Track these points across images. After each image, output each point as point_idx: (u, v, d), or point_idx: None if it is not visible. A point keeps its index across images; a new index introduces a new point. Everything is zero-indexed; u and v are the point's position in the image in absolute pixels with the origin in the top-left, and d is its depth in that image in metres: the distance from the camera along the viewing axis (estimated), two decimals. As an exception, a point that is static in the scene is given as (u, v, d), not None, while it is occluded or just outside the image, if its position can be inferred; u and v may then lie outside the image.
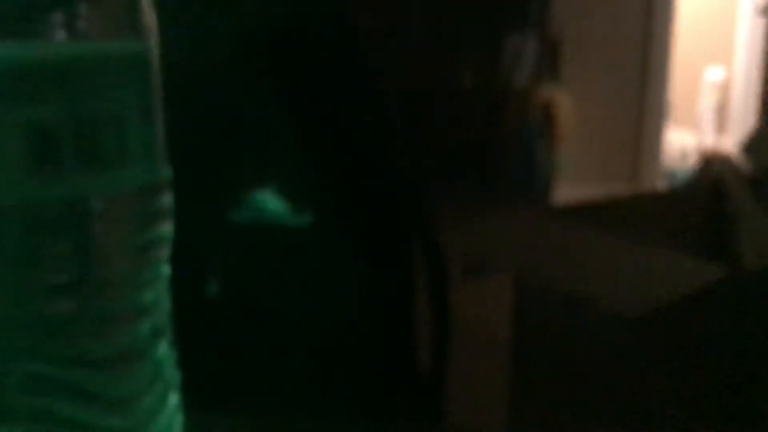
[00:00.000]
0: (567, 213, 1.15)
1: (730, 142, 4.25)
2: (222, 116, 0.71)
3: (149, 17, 0.29)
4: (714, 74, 4.98)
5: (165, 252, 0.31)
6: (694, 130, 4.89)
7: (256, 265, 0.68)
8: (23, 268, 0.26)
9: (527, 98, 2.35)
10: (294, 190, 0.69)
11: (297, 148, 0.72)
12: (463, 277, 0.96)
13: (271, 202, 0.67)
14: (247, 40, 0.72)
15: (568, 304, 0.95)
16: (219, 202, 0.68)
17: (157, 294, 0.31)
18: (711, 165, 1.40)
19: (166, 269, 0.32)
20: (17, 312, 0.27)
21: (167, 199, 0.31)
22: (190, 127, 0.64)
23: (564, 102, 2.43)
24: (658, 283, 0.92)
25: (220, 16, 0.72)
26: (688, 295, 0.90)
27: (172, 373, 0.33)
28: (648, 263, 0.99)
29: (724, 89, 4.83)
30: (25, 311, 0.27)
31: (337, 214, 0.73)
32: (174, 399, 0.33)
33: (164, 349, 0.32)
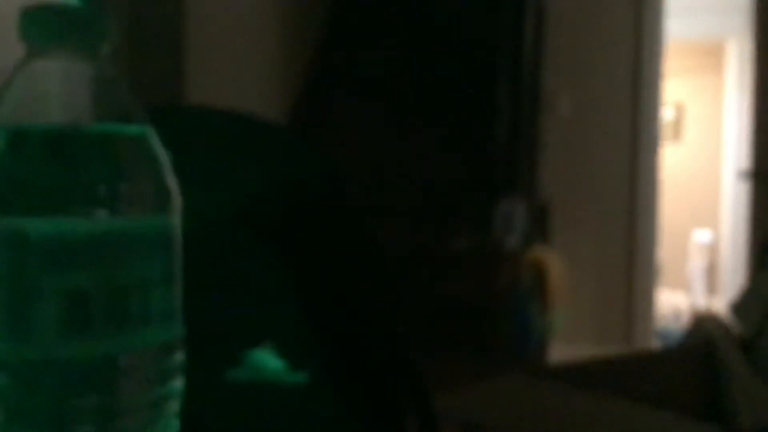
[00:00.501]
0: (561, 374, 1.16)
1: (721, 303, 4.25)
2: (221, 278, 0.74)
3: (175, 193, 0.33)
4: (702, 237, 5.06)
5: (176, 406, 0.34)
6: (685, 291, 4.90)
7: (253, 422, 0.69)
8: (54, 420, 0.29)
9: (518, 261, 2.39)
10: (292, 350, 0.71)
11: (295, 310, 0.75)
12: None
13: (269, 360, 0.69)
14: (245, 206, 0.76)
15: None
16: (217, 361, 0.69)
17: (167, 447, 0.33)
18: (702, 326, 1.42)
19: (175, 423, 0.34)
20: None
21: (180, 356, 0.34)
22: (190, 288, 0.67)
23: (555, 264, 2.46)
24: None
25: (220, 188, 0.77)
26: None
27: None
28: (646, 424, 0.99)
29: (713, 251, 4.89)
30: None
31: (334, 374, 0.74)
32: None
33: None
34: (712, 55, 4.91)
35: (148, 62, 1.86)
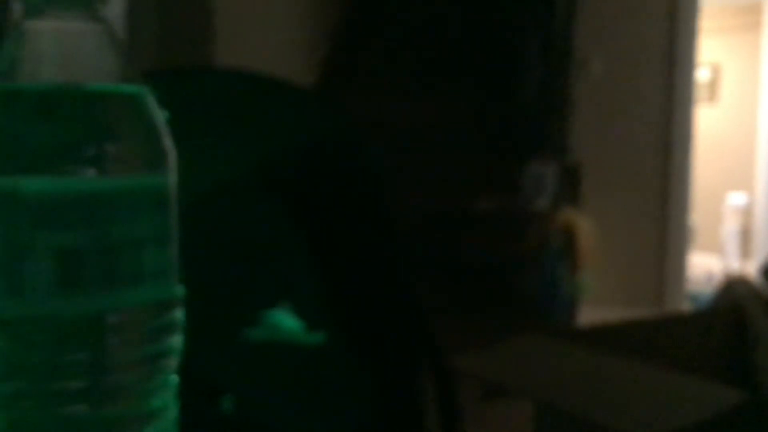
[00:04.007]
0: (589, 336, 1.16)
1: (755, 266, 4.21)
2: (239, 239, 0.74)
3: (170, 153, 0.33)
4: (736, 200, 5.01)
5: (174, 363, 0.34)
6: (719, 255, 4.87)
7: (270, 382, 0.70)
8: (46, 373, 0.30)
9: (548, 222, 2.37)
10: (308, 310, 0.71)
11: (312, 271, 0.75)
12: (482, 402, 0.97)
13: (286, 320, 0.70)
14: (263, 167, 0.77)
15: (589, 430, 0.94)
16: (235, 321, 0.70)
17: (165, 402, 0.34)
18: (732, 289, 1.40)
19: (174, 379, 0.34)
20: (37, 415, 0.30)
21: (178, 314, 0.34)
22: (209, 249, 0.67)
23: (585, 226, 2.44)
24: (678, 408, 0.92)
25: (235, 145, 0.77)
26: (709, 420, 0.89)
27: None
28: (669, 387, 0.99)
29: (747, 214, 4.84)
30: (43, 414, 0.30)
31: (351, 334, 0.75)
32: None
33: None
34: (749, 13, 4.80)
35: (177, 24, 1.86)
